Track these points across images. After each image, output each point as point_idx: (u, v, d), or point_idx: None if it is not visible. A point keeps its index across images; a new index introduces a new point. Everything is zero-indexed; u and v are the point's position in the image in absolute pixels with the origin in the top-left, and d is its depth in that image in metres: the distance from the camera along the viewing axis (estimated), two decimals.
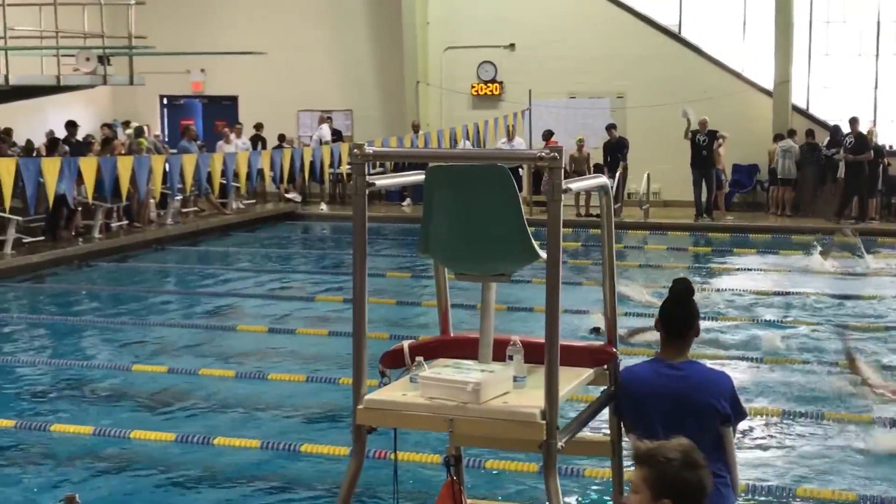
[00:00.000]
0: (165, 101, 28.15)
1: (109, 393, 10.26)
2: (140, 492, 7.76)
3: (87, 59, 18.50)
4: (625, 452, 5.03)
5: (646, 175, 22.11)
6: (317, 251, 19.97)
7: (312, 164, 20.81)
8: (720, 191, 22.68)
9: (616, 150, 22.82)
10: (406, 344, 4.90)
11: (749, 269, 16.89)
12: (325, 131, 24.49)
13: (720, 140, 22.13)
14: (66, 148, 19.29)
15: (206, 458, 8.38)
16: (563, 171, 4.19)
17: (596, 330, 11.39)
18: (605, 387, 4.91)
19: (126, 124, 23.56)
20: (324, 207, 24.09)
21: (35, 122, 22.50)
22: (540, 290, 4.36)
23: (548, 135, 23.23)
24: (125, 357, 11.50)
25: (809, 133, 22.80)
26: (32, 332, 13.02)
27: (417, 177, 4.72)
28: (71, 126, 20.61)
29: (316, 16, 26.24)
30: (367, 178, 4.43)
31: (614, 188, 21.40)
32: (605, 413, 4.96)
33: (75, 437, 8.80)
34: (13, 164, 14.38)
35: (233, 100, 27.37)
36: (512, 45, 25.26)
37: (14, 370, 11.15)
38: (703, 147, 21.75)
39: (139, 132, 22.16)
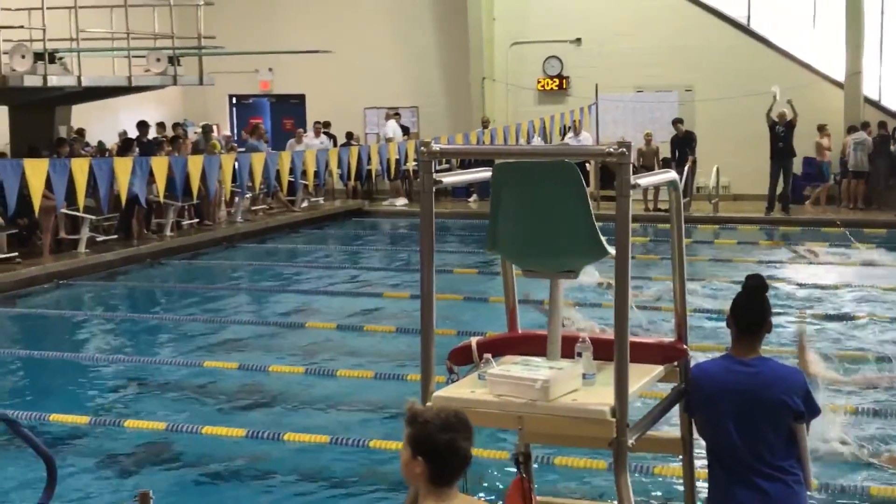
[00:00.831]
0: (234, 100, 28.42)
1: (181, 389, 10.39)
2: (211, 487, 7.85)
3: (158, 60, 18.76)
4: (696, 450, 4.99)
5: (715, 169, 21.90)
6: (384, 248, 20.04)
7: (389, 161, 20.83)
8: (825, 184, 22.65)
9: (684, 144, 22.62)
10: (474, 341, 4.90)
11: (819, 263, 16.68)
12: (391, 128, 24.49)
13: (827, 133, 21.97)
14: (137, 149, 19.54)
15: (276, 454, 8.45)
16: (631, 166, 4.16)
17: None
18: (676, 384, 4.87)
19: (206, 129, 23.72)
20: (400, 203, 24.07)
21: (107, 122, 22.83)
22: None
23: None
24: (196, 353, 11.64)
25: (882, 125, 22.42)
26: (106, 330, 13.23)
27: (484, 174, 4.72)
28: (142, 126, 20.89)
29: (382, 13, 26.32)
30: (434, 175, 4.43)
31: (683, 182, 21.23)
32: (676, 410, 4.92)
33: (148, 433, 8.92)
34: (87, 165, 14.59)
35: (300, 98, 27.55)
36: (578, 40, 25.14)
37: (88, 367, 11.33)
38: (781, 138, 21.53)
39: (207, 130, 22.41)
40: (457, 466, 3.46)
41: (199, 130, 23.07)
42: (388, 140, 23.03)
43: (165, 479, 7.91)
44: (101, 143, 21.46)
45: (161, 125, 23.28)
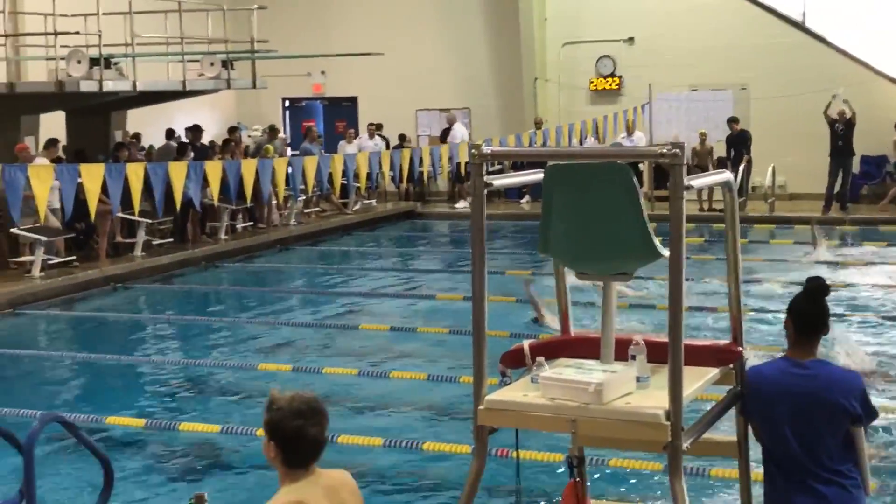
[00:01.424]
0: (287, 103, 28.58)
1: (235, 391, 10.45)
2: (265, 490, 7.87)
3: (212, 64, 18.92)
4: (752, 454, 4.93)
5: (771, 168, 21.67)
6: (437, 249, 20.05)
7: (458, 164, 20.73)
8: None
9: (739, 143, 22.42)
10: (526, 343, 4.88)
11: (878, 263, 16.47)
12: (458, 131, 24.24)
13: None
14: (191, 153, 19.71)
15: (330, 456, 8.45)
16: (685, 167, 4.11)
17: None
18: (731, 386, 4.81)
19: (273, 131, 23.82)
20: (461, 205, 23.87)
21: (162, 126, 23.04)
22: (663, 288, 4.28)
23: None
24: (250, 356, 11.70)
25: None
26: (161, 332, 13.34)
27: (536, 176, 4.69)
28: (195, 130, 21.08)
29: (433, 15, 26.34)
30: (485, 178, 4.41)
31: (738, 182, 21.02)
32: (732, 412, 4.86)
33: (203, 436, 8.98)
34: (142, 169, 14.74)
35: (352, 101, 27.65)
36: (631, 39, 25.00)
37: (144, 369, 11.45)
38: (841, 137, 21.31)
39: (273, 129, 22.59)
40: (306, 451, 3.75)
41: (259, 132, 23.26)
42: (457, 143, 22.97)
43: (220, 481, 7.97)
44: (150, 148, 21.58)
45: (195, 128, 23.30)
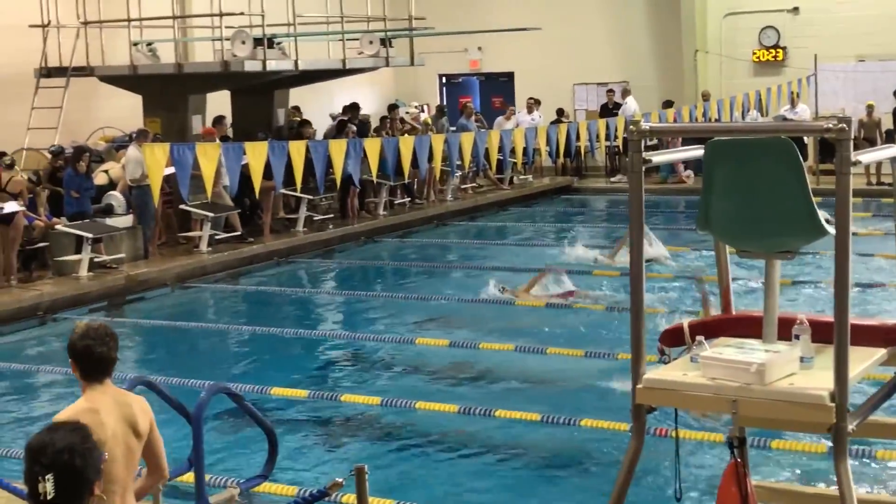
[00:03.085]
0: (444, 79, 28.74)
1: (394, 364, 10.61)
2: (425, 461, 8.00)
3: (371, 43, 19.14)
4: None
5: None
6: (594, 225, 19.90)
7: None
8: None
9: None
10: (686, 322, 4.82)
11: None
12: (632, 105, 23.95)
13: None
14: (354, 128, 20.03)
15: (487, 430, 8.54)
16: (852, 141, 3.99)
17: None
18: None
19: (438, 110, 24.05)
20: (619, 177, 23.48)
21: (323, 104, 23.44)
22: (829, 263, 4.17)
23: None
24: (408, 330, 11.85)
25: None
26: (322, 305, 13.62)
27: (696, 152, 4.62)
28: (353, 108, 21.40)
29: None
30: (644, 154, 4.36)
31: None
32: None
33: (363, 407, 9.15)
34: (303, 147, 15.04)
35: (509, 76, 27.62)
36: (795, 9, 24.27)
37: (305, 342, 11.71)
38: None
39: (440, 109, 22.83)
40: (94, 367, 4.45)
41: (412, 111, 23.48)
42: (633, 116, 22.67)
43: (380, 452, 8.11)
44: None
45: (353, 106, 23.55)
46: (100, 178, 16.24)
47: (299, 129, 19.14)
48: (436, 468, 7.89)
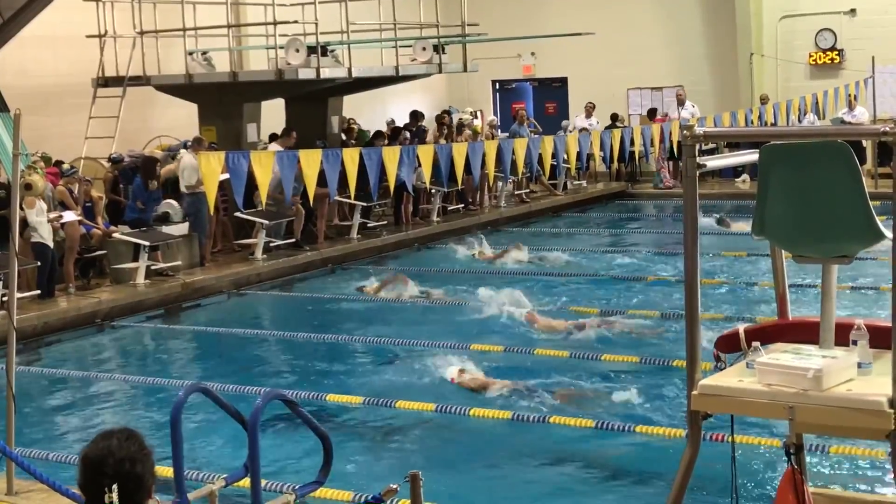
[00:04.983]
0: (497, 85, 28.75)
1: (446, 371, 10.56)
2: (478, 468, 7.98)
3: (424, 49, 19.20)
4: None
5: None
6: (648, 230, 19.80)
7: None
8: None
9: None
10: (742, 328, 4.78)
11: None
12: (688, 111, 23.79)
13: None
14: (407, 135, 20.09)
15: (541, 438, 8.51)
16: None
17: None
18: None
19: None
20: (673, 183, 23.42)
21: (377, 111, 23.56)
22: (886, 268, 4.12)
23: (652, 113, 23.41)
24: (458, 337, 11.75)
25: None
26: (368, 313, 13.57)
27: (751, 156, 4.58)
28: (413, 116, 21.50)
29: None
30: (698, 158, 4.34)
31: None
32: None
33: (418, 414, 9.16)
34: (357, 154, 15.11)
35: (563, 81, 27.58)
36: (853, 11, 24.01)
37: (359, 348, 11.75)
38: None
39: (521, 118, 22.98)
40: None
41: (469, 114, 23.56)
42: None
43: (434, 459, 8.11)
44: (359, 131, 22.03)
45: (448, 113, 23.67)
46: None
47: (373, 140, 19.26)
48: (489, 475, 7.88)
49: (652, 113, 24.47)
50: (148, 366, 11.75)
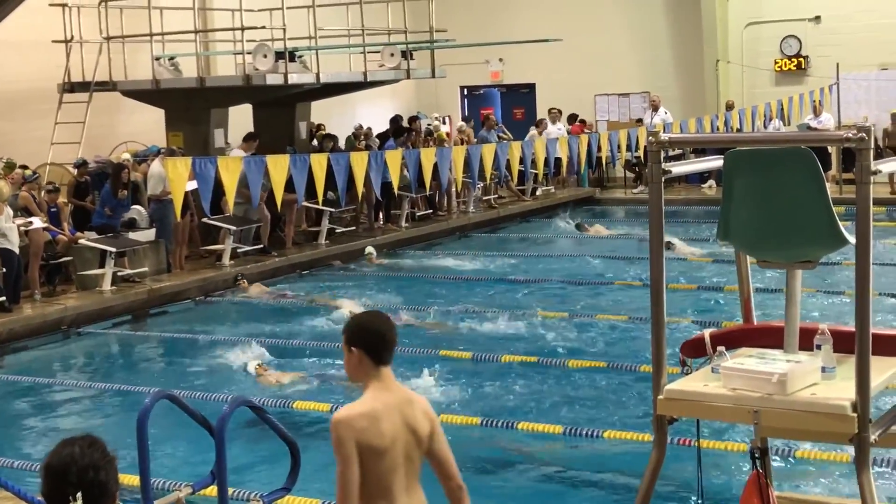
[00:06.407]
0: (465, 91, 28.78)
1: (417, 376, 10.55)
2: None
3: (392, 55, 19.20)
4: None
5: None
6: (616, 236, 19.86)
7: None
8: None
9: None
10: (707, 333, 4.82)
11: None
12: (660, 117, 23.84)
13: None
14: (377, 140, 20.11)
15: (509, 443, 8.52)
16: (872, 150, 3.98)
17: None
18: None
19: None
20: (640, 188, 23.49)
21: (346, 117, 23.51)
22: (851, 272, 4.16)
23: (571, 119, 23.48)
24: (430, 342, 11.79)
25: None
26: (343, 319, 13.53)
27: (716, 162, 4.62)
28: (394, 121, 21.54)
29: None
30: (664, 164, 4.37)
31: None
32: None
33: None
34: (325, 160, 15.09)
35: (530, 87, 27.65)
36: (817, 18, 24.22)
37: (326, 355, 11.67)
38: None
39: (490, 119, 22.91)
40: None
41: (437, 120, 23.56)
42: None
43: None
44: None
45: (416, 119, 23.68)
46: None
47: (321, 143, 19.25)
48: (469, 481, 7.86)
49: (572, 118, 24.49)
50: (114, 373, 11.68)
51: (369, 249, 17.33)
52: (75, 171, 16.38)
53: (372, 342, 4.21)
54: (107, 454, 3.34)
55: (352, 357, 4.25)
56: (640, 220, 20.71)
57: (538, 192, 23.33)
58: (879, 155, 18.72)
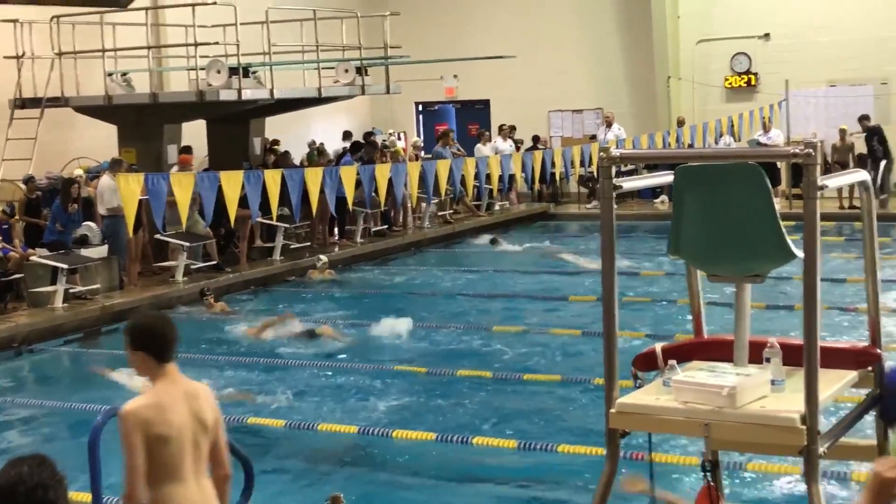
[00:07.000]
0: (420, 107, 28.83)
1: (371, 393, 10.57)
2: (401, 490, 7.98)
3: (346, 71, 19.21)
4: None
5: None
6: (570, 251, 19.94)
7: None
8: None
9: (876, 140, 21.85)
10: (659, 346, 4.86)
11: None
12: (613, 133, 23.94)
13: None
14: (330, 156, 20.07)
15: (462, 457, 8.53)
16: (819, 166, 4.04)
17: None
18: (870, 389, 4.71)
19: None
20: (594, 204, 23.62)
21: (300, 133, 23.45)
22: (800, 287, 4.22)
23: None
24: (387, 358, 11.80)
25: None
26: (298, 335, 13.49)
27: (667, 177, 4.67)
28: (347, 137, 21.52)
29: (566, 16, 26.24)
30: (615, 180, 4.41)
31: (879, 179, 20.48)
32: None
33: (341, 436, 9.13)
34: (279, 176, 15.06)
35: (485, 103, 27.75)
36: (767, 35, 24.52)
37: (281, 370, 11.65)
38: None
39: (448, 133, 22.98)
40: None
41: (393, 136, 23.57)
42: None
43: (357, 481, 8.09)
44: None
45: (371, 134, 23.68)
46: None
47: (278, 159, 19.23)
48: (413, 496, 7.88)
49: (480, 136, 24.64)
50: (65, 390, 11.56)
51: (322, 258, 17.23)
52: (24, 188, 16.22)
53: (153, 344, 4.68)
54: (56, 473, 3.32)
55: (136, 358, 4.71)
56: (549, 234, 21.13)
57: (495, 208, 23.41)
58: (829, 170, 18.94)
